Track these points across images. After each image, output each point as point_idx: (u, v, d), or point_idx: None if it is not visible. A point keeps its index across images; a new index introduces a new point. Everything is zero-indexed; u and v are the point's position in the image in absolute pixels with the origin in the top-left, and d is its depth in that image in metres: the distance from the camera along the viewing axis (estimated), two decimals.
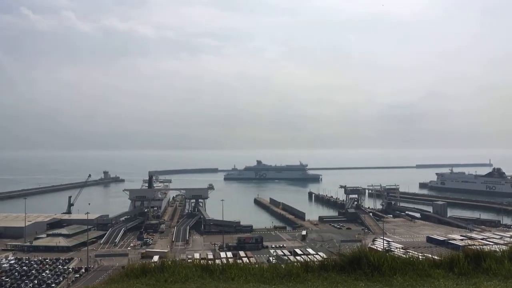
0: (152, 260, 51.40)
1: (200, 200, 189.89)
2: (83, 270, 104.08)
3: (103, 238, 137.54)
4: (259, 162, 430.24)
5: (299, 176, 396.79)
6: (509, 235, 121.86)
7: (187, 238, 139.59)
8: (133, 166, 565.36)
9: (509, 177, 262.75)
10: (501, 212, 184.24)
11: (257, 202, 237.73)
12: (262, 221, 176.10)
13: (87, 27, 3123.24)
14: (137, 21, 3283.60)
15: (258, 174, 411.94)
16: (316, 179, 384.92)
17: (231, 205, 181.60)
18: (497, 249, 11.35)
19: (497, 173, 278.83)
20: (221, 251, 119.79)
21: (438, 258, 11.05)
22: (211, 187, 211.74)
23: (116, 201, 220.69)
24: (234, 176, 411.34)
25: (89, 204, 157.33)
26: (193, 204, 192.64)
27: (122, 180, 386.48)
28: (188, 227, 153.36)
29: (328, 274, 10.25)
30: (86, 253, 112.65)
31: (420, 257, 11.11)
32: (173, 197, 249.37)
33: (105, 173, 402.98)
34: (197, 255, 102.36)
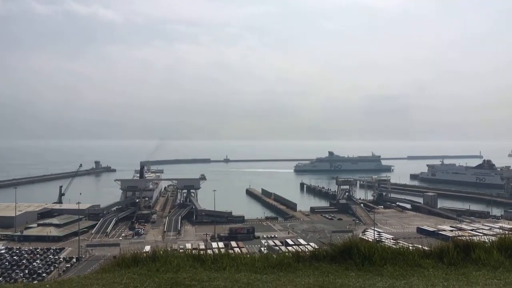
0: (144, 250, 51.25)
1: (192, 190, 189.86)
2: (74, 260, 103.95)
3: (95, 228, 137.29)
4: (331, 153, 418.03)
5: (374, 167, 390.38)
6: (498, 226, 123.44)
7: (179, 228, 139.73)
8: (124, 156, 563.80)
9: (499, 169, 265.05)
10: (490, 203, 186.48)
11: (249, 193, 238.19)
12: (254, 211, 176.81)
13: (48, 10, 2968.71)
14: (100, 5, 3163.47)
15: (333, 166, 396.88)
16: (388, 169, 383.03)
17: (223, 195, 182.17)
18: (486, 240, 11.48)
19: (487, 165, 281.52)
20: (213, 242, 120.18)
21: (428, 248, 11.15)
22: (203, 177, 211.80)
23: (107, 191, 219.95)
24: (307, 168, 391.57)
25: (80, 194, 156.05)
26: (185, 195, 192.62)
27: (114, 170, 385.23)
28: (180, 218, 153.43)
29: (319, 264, 10.29)
30: (78, 243, 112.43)
31: (410, 247, 11.21)
32: (165, 187, 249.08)
33: (97, 163, 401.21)
34: (188, 245, 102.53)
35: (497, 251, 10.79)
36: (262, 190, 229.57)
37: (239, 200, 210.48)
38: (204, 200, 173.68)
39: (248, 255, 10.63)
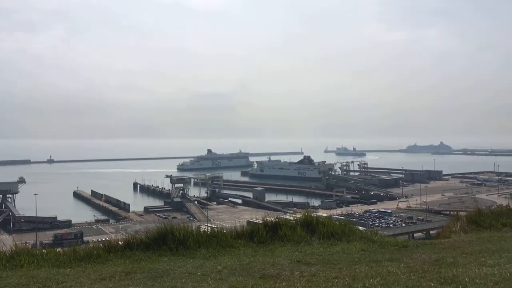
0: None
1: (8, 195, 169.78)
2: None
3: None
4: (209, 151, 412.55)
5: (244, 163, 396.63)
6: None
7: None
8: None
9: (317, 164, 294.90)
10: (309, 195, 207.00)
11: (77, 195, 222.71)
12: (82, 215, 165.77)
13: None
14: None
15: (215, 163, 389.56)
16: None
17: (46, 199, 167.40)
18: (292, 218, 12.58)
19: (307, 160, 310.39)
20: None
21: (241, 230, 11.74)
22: (21, 180, 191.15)
23: None
24: (194, 166, 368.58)
25: None
26: None
27: None
28: None
29: (132, 253, 10.04)
30: None
31: (224, 230, 11.65)
32: None
33: None
34: None
35: (300, 227, 11.88)
36: (92, 191, 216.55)
37: (65, 203, 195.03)
38: (24, 206, 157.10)
39: (52, 251, 9.79)
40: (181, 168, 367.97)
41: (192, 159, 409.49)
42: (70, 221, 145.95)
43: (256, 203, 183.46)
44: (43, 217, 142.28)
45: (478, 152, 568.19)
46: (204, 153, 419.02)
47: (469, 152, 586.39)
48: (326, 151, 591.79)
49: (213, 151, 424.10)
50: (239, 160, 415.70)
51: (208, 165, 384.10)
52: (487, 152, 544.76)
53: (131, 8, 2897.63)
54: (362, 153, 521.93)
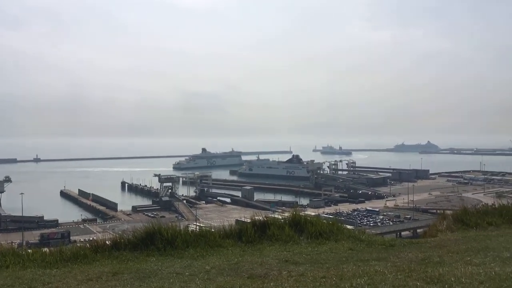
0: None
1: None
2: None
3: None
4: (204, 149, 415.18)
5: (238, 162, 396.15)
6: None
7: None
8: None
9: (305, 163, 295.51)
10: (298, 194, 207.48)
11: (64, 195, 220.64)
12: (69, 214, 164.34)
13: None
14: None
15: (209, 162, 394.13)
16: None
17: (33, 198, 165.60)
18: (280, 217, 12.59)
19: (295, 159, 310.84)
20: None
21: (229, 229, 11.72)
22: (7, 180, 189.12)
23: None
24: (190, 165, 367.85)
25: None
26: None
27: None
28: None
29: (119, 253, 9.97)
30: None
31: (212, 229, 11.62)
32: None
33: None
34: None
35: (288, 227, 11.89)
36: (79, 190, 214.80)
37: (52, 203, 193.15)
38: (10, 205, 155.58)
39: (39, 251, 9.68)
40: (177, 167, 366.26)
41: (187, 157, 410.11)
42: (57, 220, 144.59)
43: (245, 202, 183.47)
44: (30, 217, 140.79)
45: (464, 151, 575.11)
46: (198, 152, 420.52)
47: (455, 151, 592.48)
48: (314, 150, 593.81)
49: (206, 150, 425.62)
50: (233, 159, 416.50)
51: (203, 163, 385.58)
52: (472, 151, 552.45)
53: (118, 6, 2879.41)
54: (348, 152, 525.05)
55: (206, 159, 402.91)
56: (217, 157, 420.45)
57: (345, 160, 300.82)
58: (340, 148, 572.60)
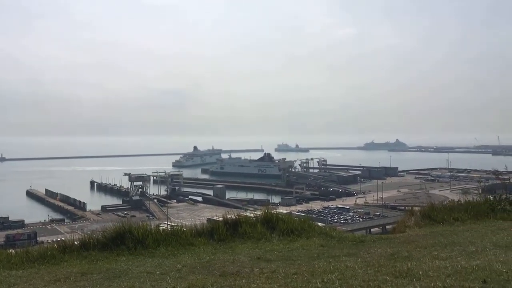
0: None
1: None
2: None
3: None
4: (195, 147, 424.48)
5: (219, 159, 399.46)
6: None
7: None
8: None
9: (277, 161, 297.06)
10: (270, 192, 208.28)
11: (30, 194, 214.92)
12: (36, 214, 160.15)
13: None
14: None
15: (202, 160, 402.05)
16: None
17: None
18: (252, 215, 12.60)
19: (267, 158, 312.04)
20: None
21: (201, 227, 11.66)
22: None
23: None
24: (188, 163, 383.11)
25: None
26: None
27: None
28: None
29: (88, 253, 9.78)
30: None
31: (184, 228, 11.54)
32: None
33: None
34: None
35: (260, 224, 11.92)
36: (46, 190, 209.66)
37: (18, 203, 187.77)
38: None
39: (4, 252, 9.40)
40: (176, 165, 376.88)
41: (182, 155, 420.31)
42: (23, 221, 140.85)
43: (217, 201, 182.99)
44: None
45: (430, 149, 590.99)
46: (190, 150, 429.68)
47: (423, 149, 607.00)
48: (277, 150, 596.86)
49: (178, 148, 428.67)
50: (218, 157, 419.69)
51: (198, 161, 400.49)
52: (433, 149, 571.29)
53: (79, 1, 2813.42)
54: (305, 150, 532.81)
55: (200, 157, 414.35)
56: (206, 155, 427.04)
57: (316, 158, 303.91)
58: (297, 146, 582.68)
